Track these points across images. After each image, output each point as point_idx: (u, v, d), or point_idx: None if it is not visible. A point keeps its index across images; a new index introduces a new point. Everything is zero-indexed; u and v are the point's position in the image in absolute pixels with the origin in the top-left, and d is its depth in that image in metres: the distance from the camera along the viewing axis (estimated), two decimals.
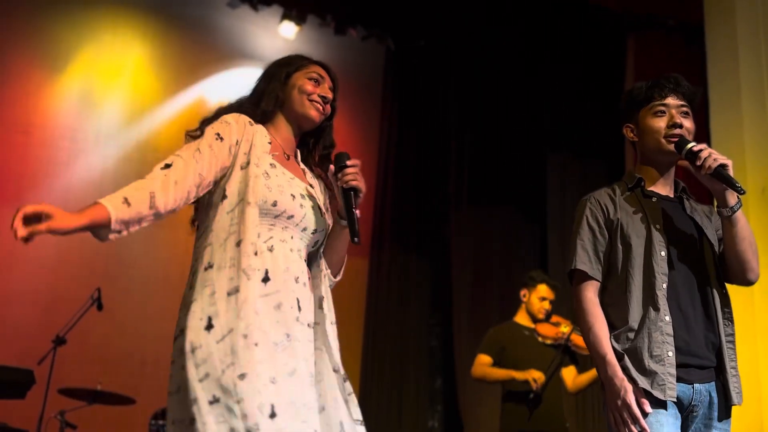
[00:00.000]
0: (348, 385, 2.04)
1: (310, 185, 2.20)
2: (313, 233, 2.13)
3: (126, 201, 1.81)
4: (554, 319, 4.58)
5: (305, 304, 2.03)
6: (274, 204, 2.02)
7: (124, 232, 1.84)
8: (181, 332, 1.89)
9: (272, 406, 1.80)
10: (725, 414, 2.24)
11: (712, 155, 2.21)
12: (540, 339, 4.46)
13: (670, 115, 2.36)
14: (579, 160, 6.65)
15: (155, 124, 6.77)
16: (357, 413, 2.02)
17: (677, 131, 2.34)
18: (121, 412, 5.07)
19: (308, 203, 2.12)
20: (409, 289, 7.01)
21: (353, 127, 7.20)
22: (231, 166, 2.05)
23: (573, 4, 6.12)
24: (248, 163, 2.04)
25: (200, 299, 1.90)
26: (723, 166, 2.20)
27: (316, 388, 1.98)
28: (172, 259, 6.17)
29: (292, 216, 2.06)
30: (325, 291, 2.13)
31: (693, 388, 2.21)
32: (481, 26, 6.78)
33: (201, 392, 1.79)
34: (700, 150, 2.25)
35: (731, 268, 2.35)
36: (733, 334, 2.29)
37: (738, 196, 2.26)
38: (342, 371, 2.04)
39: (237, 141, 2.07)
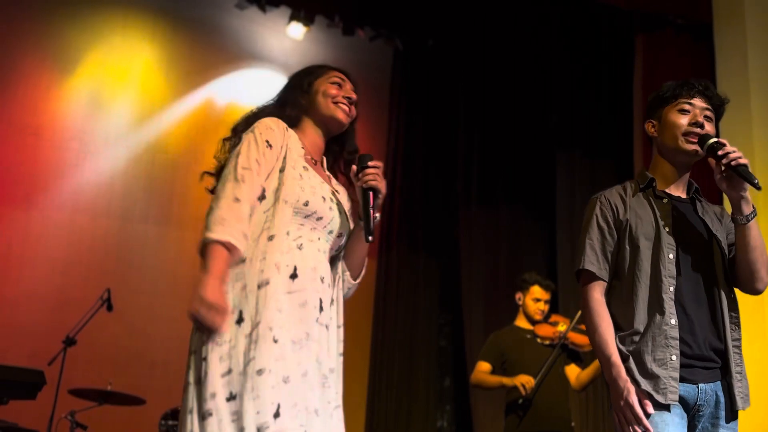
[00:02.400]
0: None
1: (336, 191, 2.25)
2: (338, 236, 2.18)
3: (246, 236, 1.94)
4: (553, 318, 4.56)
5: (327, 305, 2.07)
6: (306, 204, 2.07)
7: None
8: None
9: (278, 406, 1.83)
10: (732, 416, 2.24)
11: (736, 152, 2.23)
12: (539, 340, 4.44)
13: (694, 115, 2.36)
14: (588, 159, 6.62)
15: (164, 126, 6.78)
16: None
17: (697, 130, 2.34)
18: (131, 413, 5.09)
19: (336, 206, 2.17)
20: (417, 289, 7.01)
21: (361, 128, 7.09)
22: (272, 169, 2.09)
23: (581, 3, 6.11)
24: (284, 166, 2.09)
25: (231, 292, 1.94)
26: (744, 166, 2.22)
27: (324, 390, 2.01)
28: (180, 259, 6.19)
29: (321, 217, 2.11)
30: (337, 294, 2.16)
31: (698, 388, 2.20)
32: (488, 26, 6.77)
33: (221, 388, 1.83)
34: (724, 144, 2.25)
35: (740, 276, 2.34)
36: (739, 339, 2.28)
37: (753, 206, 2.27)
38: (330, 375, 2.05)
39: (281, 146, 2.11)
